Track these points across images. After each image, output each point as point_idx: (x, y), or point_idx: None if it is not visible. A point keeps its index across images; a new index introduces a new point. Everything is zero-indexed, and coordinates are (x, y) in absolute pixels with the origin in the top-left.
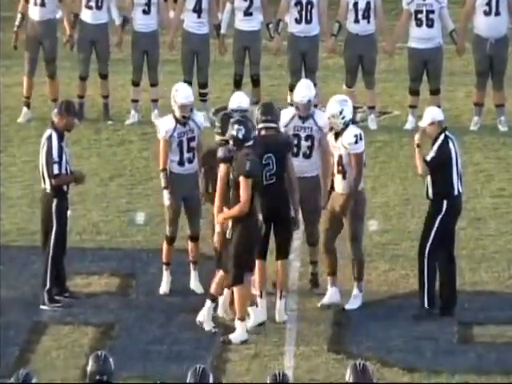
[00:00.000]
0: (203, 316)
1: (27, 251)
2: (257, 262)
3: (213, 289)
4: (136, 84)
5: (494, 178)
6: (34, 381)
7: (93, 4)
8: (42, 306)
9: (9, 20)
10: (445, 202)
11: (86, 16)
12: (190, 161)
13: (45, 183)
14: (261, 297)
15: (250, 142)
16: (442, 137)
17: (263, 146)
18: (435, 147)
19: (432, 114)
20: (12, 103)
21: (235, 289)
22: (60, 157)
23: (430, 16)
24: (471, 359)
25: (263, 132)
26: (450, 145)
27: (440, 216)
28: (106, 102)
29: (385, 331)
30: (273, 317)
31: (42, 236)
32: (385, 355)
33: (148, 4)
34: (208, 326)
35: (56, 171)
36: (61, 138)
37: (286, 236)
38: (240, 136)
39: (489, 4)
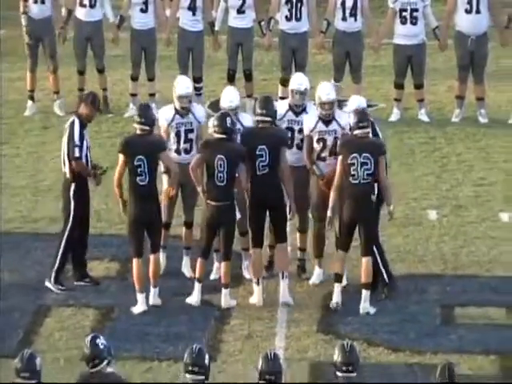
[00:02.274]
0: (195, 298)
1: (30, 238)
2: (253, 250)
3: (224, 278)
4: (134, 79)
5: (474, 167)
6: (37, 361)
7: (86, 2)
8: (46, 282)
9: (11, 18)
10: (375, 185)
11: (81, 14)
12: (187, 151)
13: (65, 167)
14: (257, 284)
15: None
16: None
17: (257, 137)
18: None
19: (357, 101)
20: (16, 97)
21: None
22: (81, 141)
23: (414, 14)
24: (453, 340)
25: (259, 125)
26: (376, 131)
27: (374, 197)
28: (105, 94)
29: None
30: (265, 300)
31: (64, 221)
32: (371, 336)
33: (145, 3)
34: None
35: (77, 154)
36: (83, 126)
37: (281, 221)
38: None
39: (470, 3)
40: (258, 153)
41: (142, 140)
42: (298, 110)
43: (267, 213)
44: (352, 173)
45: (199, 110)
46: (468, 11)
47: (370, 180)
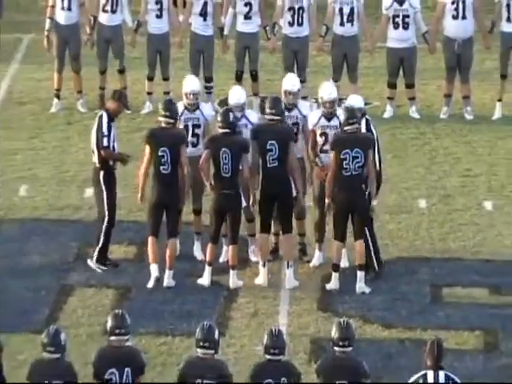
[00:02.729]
0: (205, 279)
1: (56, 224)
2: (261, 235)
3: (232, 261)
4: (150, 79)
5: (461, 160)
6: (62, 336)
7: (108, 8)
8: (88, 261)
9: (40, 23)
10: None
11: (103, 18)
12: (194, 145)
13: (94, 157)
14: (263, 266)
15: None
16: (363, 121)
17: (268, 133)
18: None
19: (353, 99)
20: (43, 95)
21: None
22: (109, 132)
23: (406, 20)
24: (441, 317)
25: (269, 122)
26: (371, 128)
27: (368, 190)
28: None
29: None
30: (270, 281)
31: (98, 206)
32: (366, 314)
33: (160, 9)
34: (234, 284)
35: (105, 143)
36: (111, 119)
37: (288, 212)
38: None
39: (457, 9)
40: (268, 147)
41: (166, 132)
42: (290, 106)
43: (275, 203)
44: (344, 166)
45: (207, 108)
46: (455, 17)
47: (361, 172)
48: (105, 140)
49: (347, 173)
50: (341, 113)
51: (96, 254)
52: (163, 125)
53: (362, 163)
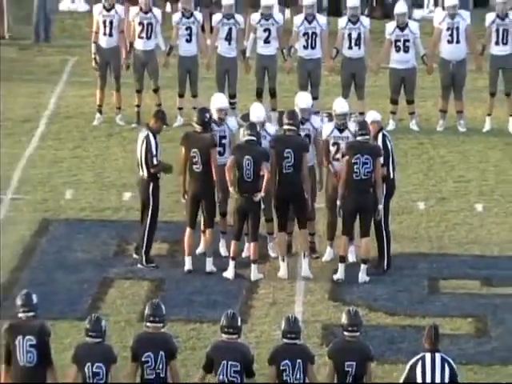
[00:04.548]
0: (230, 273)
1: (98, 223)
2: (279, 233)
3: (253, 256)
4: (181, 96)
5: (455, 167)
6: (103, 323)
7: (143, 35)
8: (139, 265)
9: (83, 46)
10: (384, 185)
11: (139, 44)
12: (221, 154)
13: (143, 171)
14: (283, 260)
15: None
16: (380, 135)
17: (285, 143)
18: (380, 147)
19: (372, 115)
20: (87, 110)
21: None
22: (156, 151)
23: (407, 44)
24: (438, 306)
25: (287, 133)
26: (387, 141)
27: (383, 195)
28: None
29: (372, 285)
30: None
31: (141, 213)
32: (371, 303)
33: (190, 34)
34: (255, 277)
35: (154, 162)
36: (155, 136)
37: (302, 211)
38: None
39: (451, 35)
40: (285, 155)
41: (198, 136)
42: (304, 120)
43: (290, 204)
44: (355, 170)
45: (232, 121)
46: (450, 41)
47: (369, 177)
48: (154, 159)
49: (357, 177)
50: (351, 125)
51: (143, 256)
52: (197, 129)
53: (370, 169)
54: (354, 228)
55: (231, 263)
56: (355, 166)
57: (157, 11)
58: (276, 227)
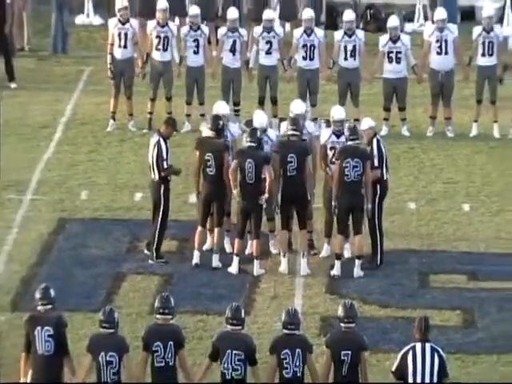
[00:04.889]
0: (234, 268)
1: (111, 222)
2: (281, 231)
3: (256, 252)
4: (189, 103)
5: (444, 170)
6: (116, 314)
7: (160, 47)
8: (149, 261)
9: (97, 57)
10: (378, 186)
11: (156, 55)
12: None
13: (154, 174)
14: (284, 256)
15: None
16: (375, 140)
17: (289, 147)
18: (375, 151)
19: (367, 122)
20: (101, 116)
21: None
22: (167, 155)
23: (398, 55)
24: (428, 299)
25: (290, 138)
26: (381, 145)
27: (377, 196)
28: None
29: (366, 279)
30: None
31: (153, 212)
32: (366, 296)
33: (197, 46)
34: (257, 272)
35: (165, 166)
36: (165, 142)
37: (304, 212)
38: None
39: (440, 47)
40: (288, 159)
41: (212, 142)
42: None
43: (293, 205)
44: (346, 173)
45: (234, 127)
46: (439, 53)
47: (360, 179)
48: (164, 163)
49: (348, 179)
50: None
51: (154, 252)
52: (210, 135)
53: (360, 172)
54: (348, 226)
55: (235, 259)
56: (346, 169)
57: (172, 25)
58: (277, 225)
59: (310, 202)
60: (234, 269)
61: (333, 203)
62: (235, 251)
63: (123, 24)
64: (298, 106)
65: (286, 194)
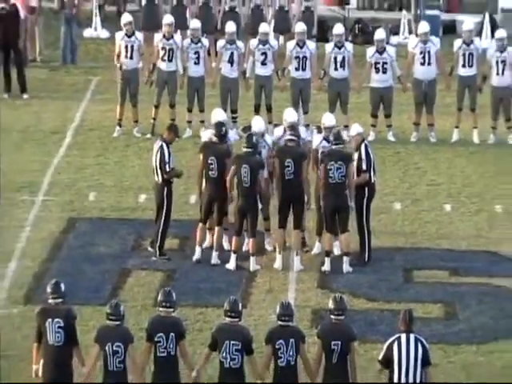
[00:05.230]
0: (232, 264)
1: (117, 222)
2: (278, 230)
3: (252, 249)
4: (190, 110)
5: (427, 172)
6: (121, 308)
7: (166, 58)
8: (153, 258)
9: (104, 68)
10: (366, 189)
11: (162, 66)
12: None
13: (157, 177)
14: (279, 253)
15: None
16: (363, 145)
17: (287, 152)
18: (363, 156)
19: (356, 128)
20: (107, 123)
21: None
22: (169, 159)
23: (385, 66)
24: (412, 293)
25: (288, 143)
26: (369, 150)
27: (365, 198)
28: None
29: (355, 274)
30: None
31: (156, 213)
32: (354, 290)
33: (197, 58)
34: (253, 268)
35: (168, 169)
36: (168, 146)
37: (300, 214)
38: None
39: (423, 58)
40: (286, 164)
41: (215, 147)
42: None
43: (291, 206)
44: (330, 175)
45: (232, 133)
46: (422, 64)
47: (343, 180)
48: (167, 166)
49: (333, 181)
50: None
51: (157, 250)
52: (214, 140)
53: (343, 174)
54: (336, 225)
55: (233, 256)
56: (330, 172)
57: (178, 38)
58: (272, 224)
59: (306, 204)
60: (231, 265)
61: (321, 203)
62: (233, 248)
63: (129, 37)
64: (290, 114)
65: (284, 196)
